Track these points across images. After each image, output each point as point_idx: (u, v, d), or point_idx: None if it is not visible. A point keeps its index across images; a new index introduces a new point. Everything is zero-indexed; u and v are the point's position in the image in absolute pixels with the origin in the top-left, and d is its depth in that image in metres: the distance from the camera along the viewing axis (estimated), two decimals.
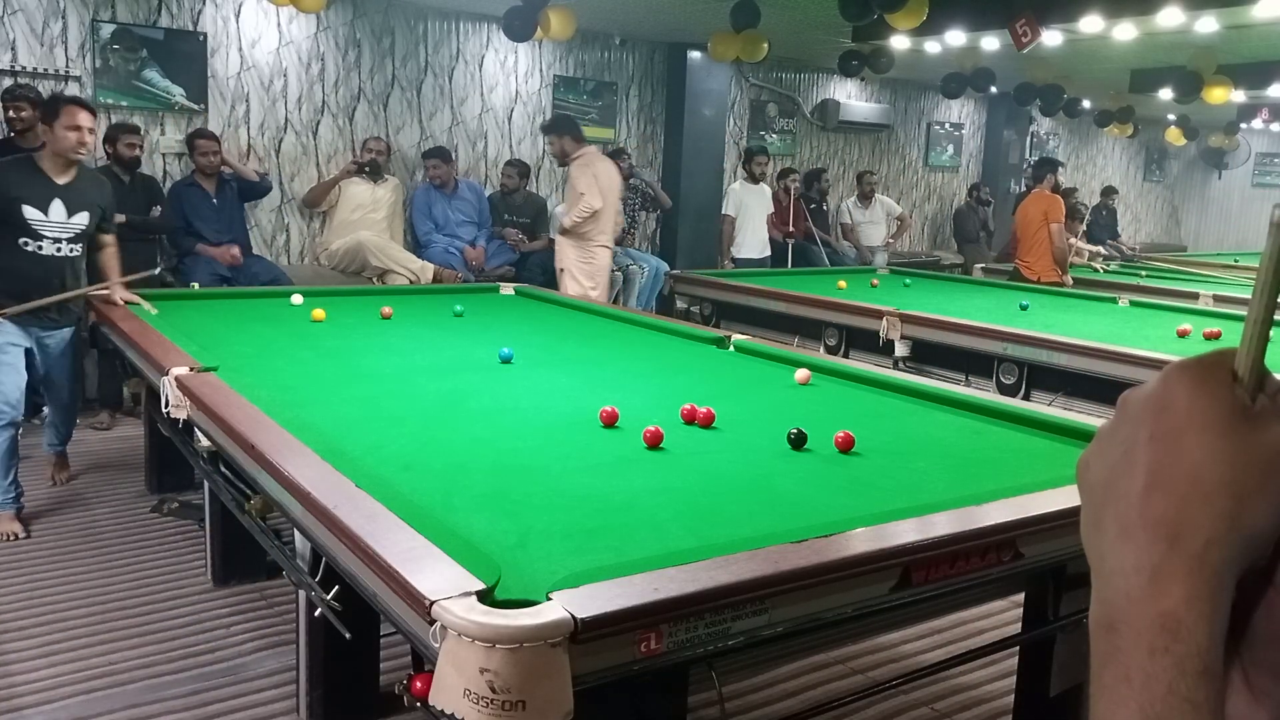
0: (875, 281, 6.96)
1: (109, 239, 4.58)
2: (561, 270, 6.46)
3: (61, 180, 4.30)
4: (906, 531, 1.92)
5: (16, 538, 4.09)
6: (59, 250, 4.32)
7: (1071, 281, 7.20)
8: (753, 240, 8.49)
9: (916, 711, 3.02)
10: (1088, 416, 3.01)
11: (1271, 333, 0.51)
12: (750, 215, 8.49)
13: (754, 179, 8.59)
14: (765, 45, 7.50)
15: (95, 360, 5.67)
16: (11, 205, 4.20)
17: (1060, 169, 8.20)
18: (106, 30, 6.48)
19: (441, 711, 1.45)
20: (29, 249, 4.25)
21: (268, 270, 6.38)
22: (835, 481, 2.34)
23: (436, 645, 1.47)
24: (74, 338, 4.52)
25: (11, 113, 5.58)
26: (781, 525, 1.94)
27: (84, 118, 4.25)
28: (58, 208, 4.29)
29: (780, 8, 6.96)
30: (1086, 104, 10.90)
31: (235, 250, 6.18)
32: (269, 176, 6.87)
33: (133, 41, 6.57)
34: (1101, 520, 0.50)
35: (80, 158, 4.38)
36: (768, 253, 8.56)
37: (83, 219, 4.37)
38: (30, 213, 4.23)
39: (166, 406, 3.07)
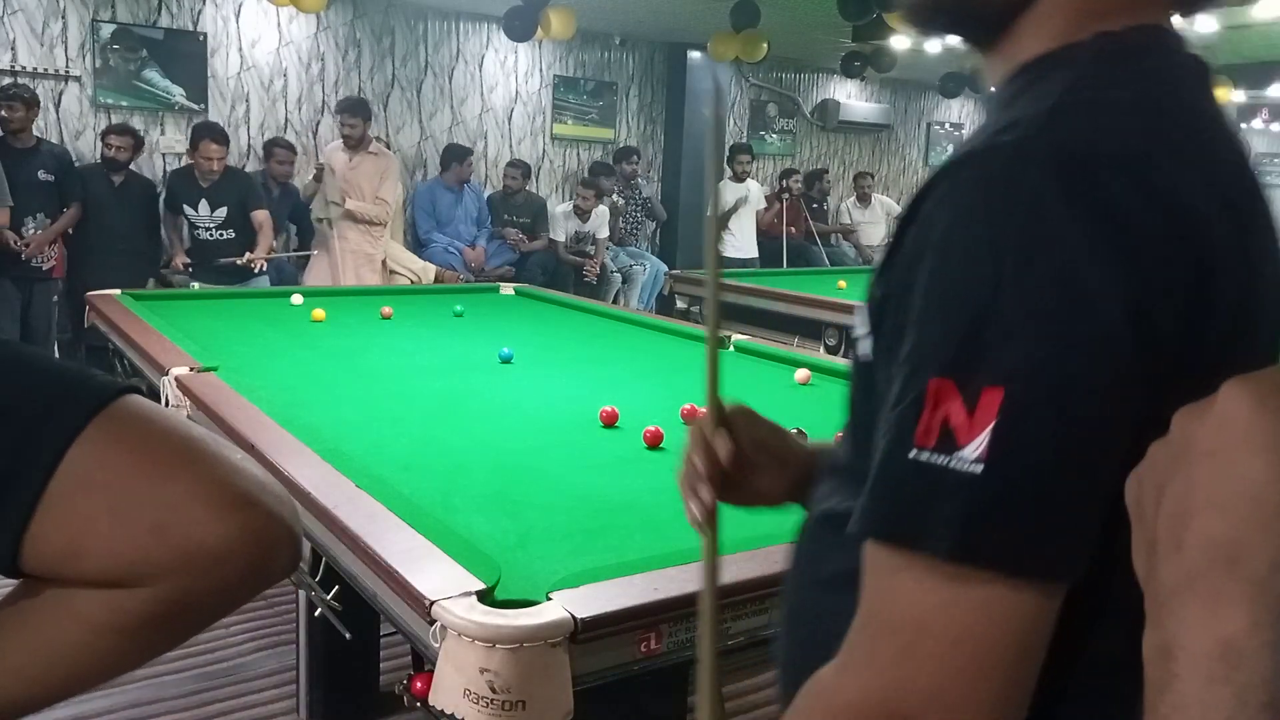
0: None
1: None
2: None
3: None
4: None
5: None
6: None
7: None
8: (740, 240, 8.32)
9: None
10: None
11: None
12: (735, 214, 8.33)
13: (737, 177, 8.47)
14: (765, 45, 7.51)
15: (83, 358, 5.66)
16: None
17: None
18: (106, 30, 6.48)
19: (441, 711, 1.45)
20: None
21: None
22: None
23: (436, 645, 1.47)
24: None
25: (5, 112, 5.56)
26: (782, 525, 1.93)
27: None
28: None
29: (780, 8, 6.97)
30: None
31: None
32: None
33: (133, 41, 6.57)
34: (1154, 540, 0.49)
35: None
36: (754, 253, 8.40)
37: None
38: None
39: (166, 406, 3.07)
